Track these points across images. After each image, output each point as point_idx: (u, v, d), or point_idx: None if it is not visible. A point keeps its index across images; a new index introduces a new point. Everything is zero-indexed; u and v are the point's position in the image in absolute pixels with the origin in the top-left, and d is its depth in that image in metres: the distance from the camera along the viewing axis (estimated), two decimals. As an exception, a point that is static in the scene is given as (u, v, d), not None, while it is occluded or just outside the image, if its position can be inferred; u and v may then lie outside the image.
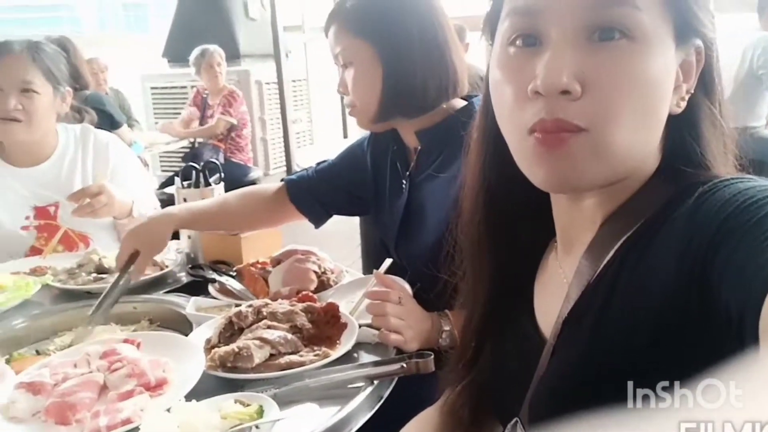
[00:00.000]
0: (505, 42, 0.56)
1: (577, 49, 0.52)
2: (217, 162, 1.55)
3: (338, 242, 3.18)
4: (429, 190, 1.18)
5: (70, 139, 1.67)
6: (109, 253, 1.43)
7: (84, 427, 0.80)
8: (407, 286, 1.12)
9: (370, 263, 1.81)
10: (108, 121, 3.12)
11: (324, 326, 1.02)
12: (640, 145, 0.54)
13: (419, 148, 1.21)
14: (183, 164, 2.77)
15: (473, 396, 0.75)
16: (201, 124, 4.42)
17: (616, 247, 0.56)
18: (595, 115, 0.51)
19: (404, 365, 0.91)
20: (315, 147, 5.99)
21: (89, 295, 1.28)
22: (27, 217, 1.59)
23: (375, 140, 1.32)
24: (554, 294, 0.63)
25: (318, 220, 1.41)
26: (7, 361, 1.06)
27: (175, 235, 1.46)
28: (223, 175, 1.53)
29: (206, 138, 4.36)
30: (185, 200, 1.43)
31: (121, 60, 5.03)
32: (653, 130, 0.55)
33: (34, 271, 1.42)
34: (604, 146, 0.52)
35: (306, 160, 3.71)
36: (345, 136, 5.80)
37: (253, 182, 4.13)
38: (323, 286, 1.22)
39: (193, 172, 1.46)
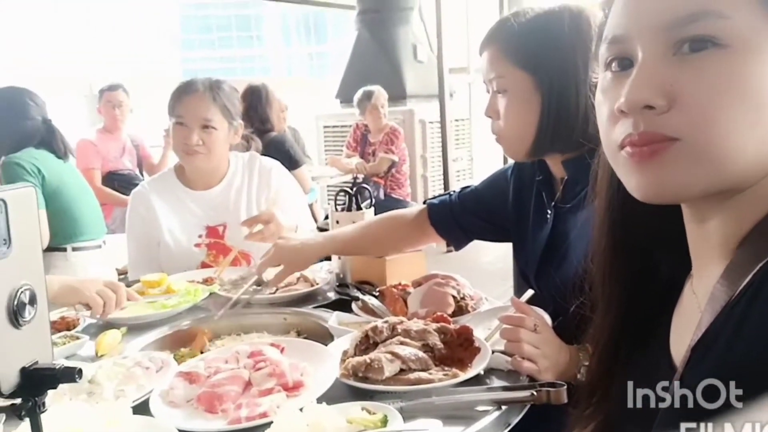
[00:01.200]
0: (603, 66, 0.57)
1: (663, 64, 0.50)
2: (368, 188, 1.63)
3: (493, 281, 3.15)
4: (574, 221, 1.14)
5: (239, 166, 1.85)
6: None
7: (227, 417, 0.88)
8: (546, 316, 1.08)
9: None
10: (287, 161, 3.37)
11: (456, 348, 1.02)
12: (749, 152, 0.49)
13: (566, 177, 1.17)
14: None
15: None
16: (361, 158, 4.66)
17: (753, 272, 0.51)
18: (687, 124, 0.49)
19: (534, 393, 0.88)
20: (473, 182, 6.00)
21: (249, 304, 1.41)
22: (200, 236, 1.78)
23: (519, 169, 1.30)
24: (688, 323, 0.58)
25: (458, 243, 1.43)
26: (174, 357, 1.19)
27: (328, 257, 1.56)
28: (373, 201, 1.60)
29: (369, 175, 4.58)
30: (338, 222, 1.52)
31: (300, 101, 5.48)
32: (766, 135, 0.50)
33: (206, 281, 1.59)
34: (704, 152, 0.49)
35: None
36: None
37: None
38: (461, 311, 1.22)
39: (346, 197, 1.55)
